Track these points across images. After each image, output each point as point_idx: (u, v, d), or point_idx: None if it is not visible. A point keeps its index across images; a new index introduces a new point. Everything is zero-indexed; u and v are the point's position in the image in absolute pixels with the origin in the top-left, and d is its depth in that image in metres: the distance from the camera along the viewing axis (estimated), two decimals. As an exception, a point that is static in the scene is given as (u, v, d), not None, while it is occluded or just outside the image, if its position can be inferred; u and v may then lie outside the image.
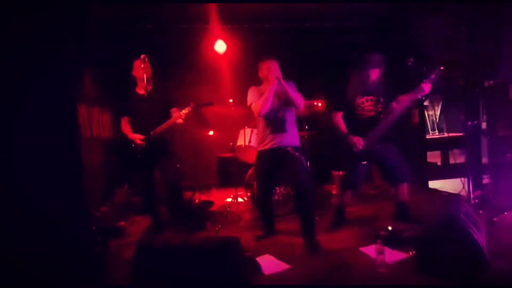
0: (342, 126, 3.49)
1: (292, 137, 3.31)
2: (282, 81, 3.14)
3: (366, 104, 3.45)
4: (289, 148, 3.22)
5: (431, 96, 6.20)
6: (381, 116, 3.40)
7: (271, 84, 3.16)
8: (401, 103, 3.34)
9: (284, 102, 3.25)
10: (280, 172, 3.36)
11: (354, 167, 3.52)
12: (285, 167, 3.27)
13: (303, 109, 3.50)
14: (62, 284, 1.66)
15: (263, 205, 3.54)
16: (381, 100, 3.42)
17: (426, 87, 3.20)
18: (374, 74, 3.43)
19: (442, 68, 3.20)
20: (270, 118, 3.25)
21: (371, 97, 3.44)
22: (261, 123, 3.34)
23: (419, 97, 3.29)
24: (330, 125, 3.61)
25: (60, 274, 1.65)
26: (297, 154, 3.22)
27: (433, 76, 3.20)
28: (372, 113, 3.43)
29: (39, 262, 1.61)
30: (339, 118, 3.52)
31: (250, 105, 3.30)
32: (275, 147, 3.25)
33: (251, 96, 3.32)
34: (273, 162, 3.30)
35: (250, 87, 3.39)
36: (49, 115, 1.67)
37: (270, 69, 3.23)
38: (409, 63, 3.54)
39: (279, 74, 3.16)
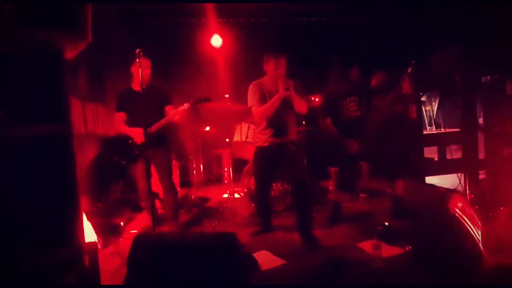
0: (334, 129, 3.50)
1: (292, 134, 3.27)
2: (293, 93, 3.02)
3: (350, 105, 3.48)
4: (288, 144, 3.21)
5: (428, 91, 6.21)
6: (368, 115, 3.44)
7: (279, 94, 3.01)
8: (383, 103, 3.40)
9: (287, 105, 3.14)
10: (278, 167, 3.34)
11: (349, 167, 3.53)
12: (284, 163, 3.25)
13: (305, 113, 3.29)
14: (55, 282, 1.64)
15: (260, 201, 3.52)
16: (364, 100, 3.47)
17: (404, 85, 3.25)
18: (355, 74, 3.48)
19: (414, 61, 3.24)
20: (272, 121, 3.19)
21: (353, 97, 3.47)
22: (262, 123, 3.26)
23: (400, 95, 3.34)
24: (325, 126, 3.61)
25: (51, 274, 1.63)
26: (295, 149, 3.20)
27: (408, 71, 3.23)
28: (358, 113, 3.47)
29: (28, 260, 1.59)
30: (328, 123, 3.53)
31: (251, 107, 3.20)
32: (275, 144, 3.22)
33: (252, 97, 3.19)
34: (272, 158, 3.27)
35: (251, 84, 3.25)
36: (41, 109, 1.64)
37: (281, 77, 3.04)
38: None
39: (289, 84, 2.99)
